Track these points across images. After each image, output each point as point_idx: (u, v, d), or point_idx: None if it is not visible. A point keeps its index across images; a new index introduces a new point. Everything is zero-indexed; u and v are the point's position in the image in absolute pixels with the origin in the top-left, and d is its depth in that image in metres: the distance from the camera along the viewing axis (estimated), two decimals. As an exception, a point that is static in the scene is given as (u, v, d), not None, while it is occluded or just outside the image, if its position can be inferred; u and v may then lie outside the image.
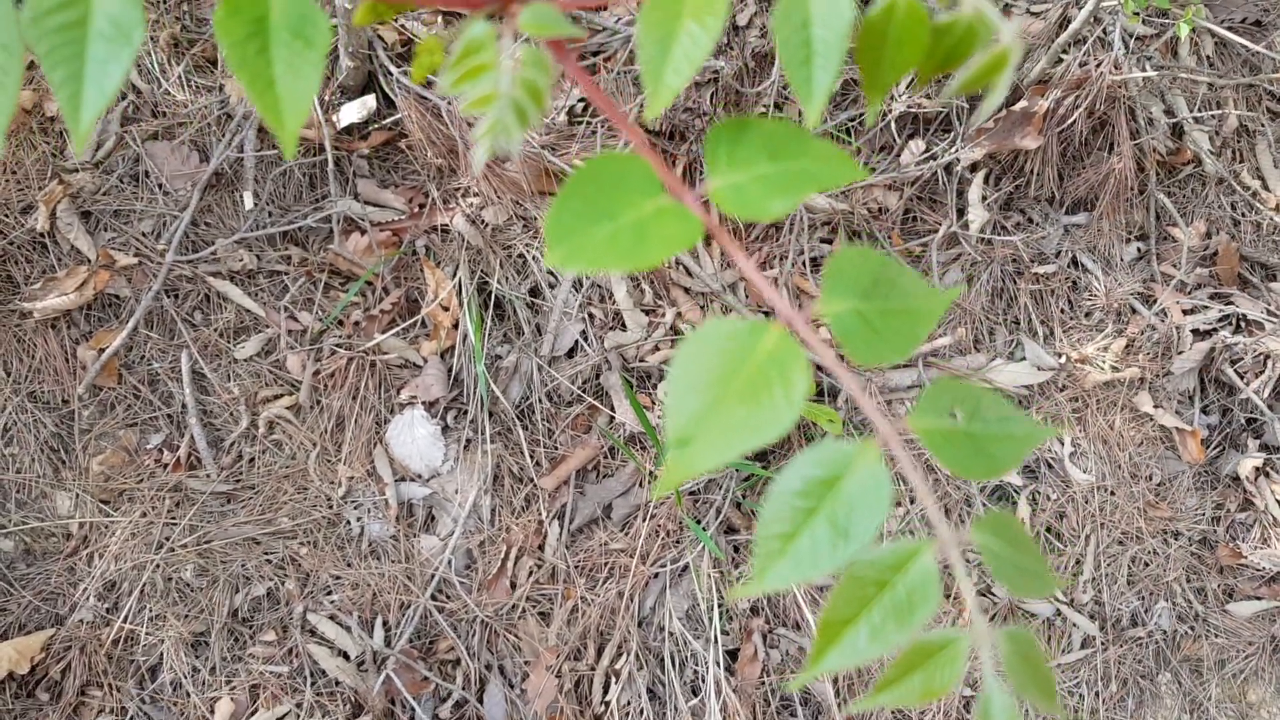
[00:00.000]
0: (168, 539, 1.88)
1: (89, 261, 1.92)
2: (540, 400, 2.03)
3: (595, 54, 2.12)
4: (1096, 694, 2.13)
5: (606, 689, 1.94)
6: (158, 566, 1.87)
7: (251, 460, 1.94)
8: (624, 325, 2.07)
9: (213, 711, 1.83)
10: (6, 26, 0.30)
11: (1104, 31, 2.19)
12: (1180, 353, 2.24)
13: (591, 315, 2.06)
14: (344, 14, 1.88)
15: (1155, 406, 2.23)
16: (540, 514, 1.99)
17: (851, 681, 2.04)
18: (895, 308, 0.33)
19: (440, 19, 2.08)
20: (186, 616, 1.87)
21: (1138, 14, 2.27)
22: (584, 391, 2.04)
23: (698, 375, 0.30)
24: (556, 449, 2.03)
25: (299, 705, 1.84)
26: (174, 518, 1.89)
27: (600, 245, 0.32)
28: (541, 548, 1.99)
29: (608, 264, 0.31)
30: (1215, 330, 2.26)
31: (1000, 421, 0.32)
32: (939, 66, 0.33)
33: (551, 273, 2.06)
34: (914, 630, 0.29)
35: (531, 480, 2.00)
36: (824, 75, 0.32)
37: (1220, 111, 2.35)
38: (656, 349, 2.07)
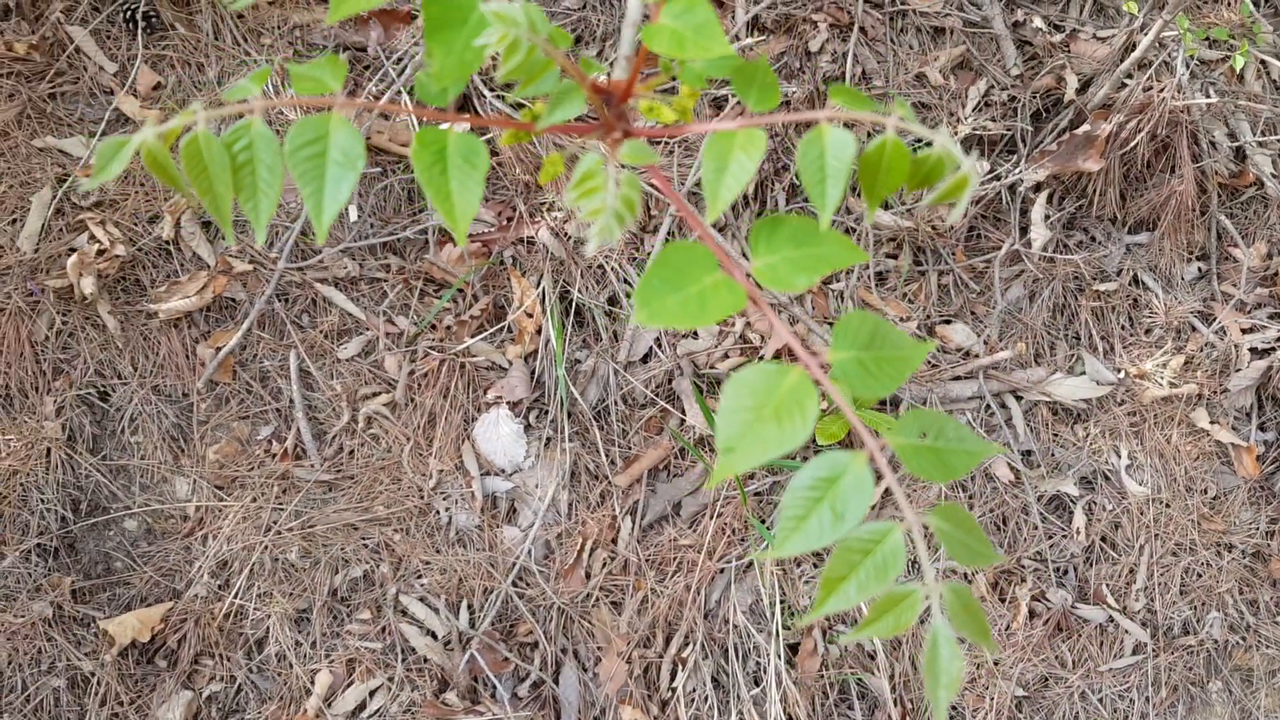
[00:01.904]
0: (275, 523, 2.06)
1: (209, 267, 2.10)
2: (616, 403, 2.17)
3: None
4: (1147, 699, 2.20)
5: (674, 676, 2.07)
6: (266, 548, 2.04)
7: (351, 452, 2.11)
8: (695, 334, 2.20)
9: (313, 682, 2.00)
10: (273, 155, 0.44)
11: (1168, 56, 2.26)
12: (1238, 370, 2.30)
13: (666, 324, 2.19)
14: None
15: (1212, 422, 2.30)
16: (614, 509, 2.13)
17: (907, 678, 2.14)
18: (887, 355, 0.45)
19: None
20: (291, 594, 2.04)
21: (1206, 39, 2.33)
22: (657, 395, 2.17)
23: (740, 403, 0.43)
24: (630, 449, 2.17)
25: (390, 679, 2.00)
26: (281, 503, 2.07)
27: (674, 309, 0.45)
28: (615, 541, 2.12)
29: (679, 323, 0.44)
30: (1273, 349, 2.31)
31: (958, 440, 0.44)
32: (919, 184, 0.45)
33: (628, 281, 2.20)
34: (887, 585, 0.41)
35: (606, 478, 2.14)
36: (834, 192, 0.44)
37: (1284, 135, 2.40)
38: (726, 356, 2.19)
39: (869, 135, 0.45)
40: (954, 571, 2.18)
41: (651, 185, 2.11)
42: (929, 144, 0.44)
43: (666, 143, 2.18)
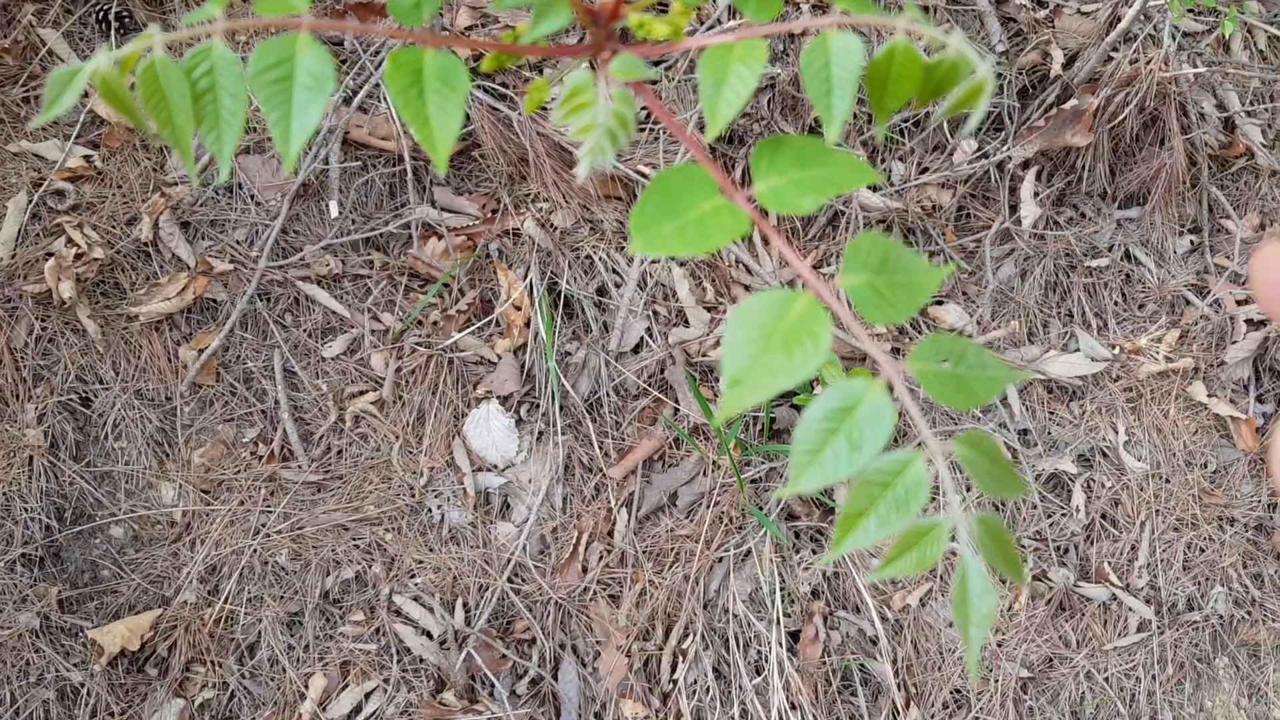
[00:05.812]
0: (264, 526, 2.02)
1: (189, 268, 2.07)
2: (608, 394, 2.14)
3: (658, 63, 2.22)
4: (1153, 677, 2.18)
5: (674, 668, 2.04)
6: (255, 551, 2.01)
7: (340, 452, 2.08)
8: (687, 322, 2.17)
9: (307, 686, 1.96)
10: (236, 81, 0.41)
11: (1154, 29, 2.25)
12: (1234, 342, 2.28)
13: (656, 313, 2.16)
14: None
15: (1209, 395, 2.28)
16: (609, 502, 2.10)
17: (910, 663, 2.11)
18: (900, 281, 0.42)
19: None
20: (282, 598, 2.00)
21: (1191, 11, 2.31)
22: (649, 385, 2.14)
23: (746, 332, 0.40)
24: (624, 440, 2.13)
25: (386, 681, 1.97)
26: (269, 506, 2.03)
27: (671, 236, 0.42)
28: (611, 534, 2.09)
29: (677, 250, 0.41)
30: (1269, 319, 2.29)
31: (980, 366, 0.41)
32: (931, 95, 0.42)
33: (617, 272, 2.17)
34: (910, 518, 0.38)
35: (601, 470, 2.11)
36: (841, 104, 0.41)
37: (1273, 104, 2.38)
38: (718, 344, 2.16)
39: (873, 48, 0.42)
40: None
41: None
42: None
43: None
